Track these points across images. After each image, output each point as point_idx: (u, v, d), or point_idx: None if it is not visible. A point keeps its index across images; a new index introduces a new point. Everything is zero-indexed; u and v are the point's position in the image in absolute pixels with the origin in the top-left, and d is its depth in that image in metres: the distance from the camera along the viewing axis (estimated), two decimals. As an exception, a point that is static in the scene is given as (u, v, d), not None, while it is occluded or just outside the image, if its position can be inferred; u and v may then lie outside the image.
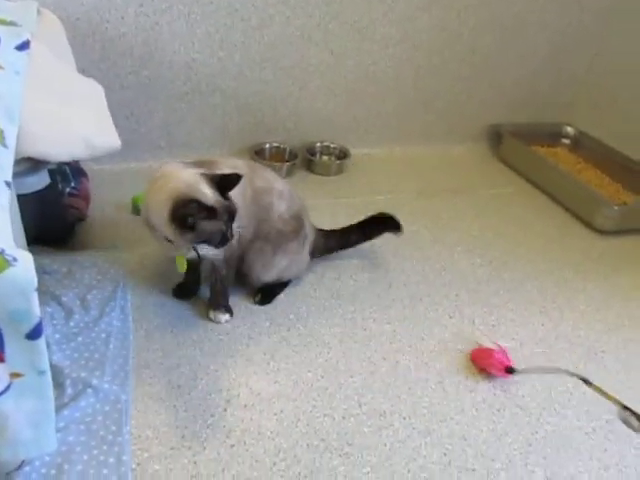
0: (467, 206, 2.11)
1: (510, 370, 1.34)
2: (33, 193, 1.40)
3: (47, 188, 1.43)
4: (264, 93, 2.13)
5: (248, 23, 1.98)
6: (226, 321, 1.42)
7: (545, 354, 1.46)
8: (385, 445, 1.16)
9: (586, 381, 1.31)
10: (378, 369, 1.35)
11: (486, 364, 1.36)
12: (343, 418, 1.21)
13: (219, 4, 1.91)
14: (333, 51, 2.13)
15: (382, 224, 1.68)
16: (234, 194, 1.24)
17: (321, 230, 1.65)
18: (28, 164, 1.34)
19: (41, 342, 0.85)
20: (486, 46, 2.35)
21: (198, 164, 1.32)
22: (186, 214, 1.16)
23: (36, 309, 0.82)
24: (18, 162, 1.29)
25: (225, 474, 1.07)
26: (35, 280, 0.81)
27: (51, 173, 1.45)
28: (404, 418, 1.23)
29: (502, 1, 2.25)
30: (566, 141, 2.57)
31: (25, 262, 0.81)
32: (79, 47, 1.83)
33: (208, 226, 1.19)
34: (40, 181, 1.38)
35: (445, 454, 1.16)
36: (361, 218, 1.69)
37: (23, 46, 1.23)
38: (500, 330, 1.52)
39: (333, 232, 1.67)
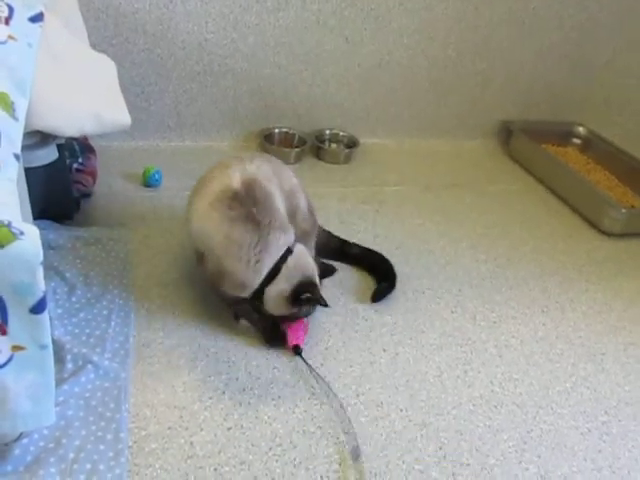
0: (474, 202, 2.10)
1: (297, 350, 1.29)
2: (41, 167, 1.40)
3: (54, 162, 1.43)
4: (276, 77, 2.12)
5: (264, 5, 1.96)
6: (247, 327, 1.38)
7: (545, 353, 1.46)
8: (381, 435, 1.17)
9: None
10: (377, 360, 1.35)
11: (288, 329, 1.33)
12: (340, 407, 1.21)
13: (235, -16, 1.89)
14: (348, 38, 2.11)
15: (379, 270, 1.61)
16: (279, 208, 1.30)
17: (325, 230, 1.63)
18: (37, 137, 1.33)
19: (44, 316, 0.85)
20: (501, 40, 2.32)
21: (224, 163, 1.34)
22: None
23: (41, 283, 0.83)
24: (28, 135, 1.28)
25: (221, 456, 1.08)
26: (41, 254, 0.81)
27: (59, 148, 1.44)
28: (401, 410, 1.23)
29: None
30: (577, 141, 2.55)
31: (32, 236, 0.81)
32: (92, 22, 1.83)
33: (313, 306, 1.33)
34: (49, 155, 1.38)
35: (440, 447, 1.17)
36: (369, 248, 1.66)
37: (36, 18, 1.22)
38: (501, 327, 1.52)
39: (334, 237, 1.65)
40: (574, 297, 1.68)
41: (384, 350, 1.38)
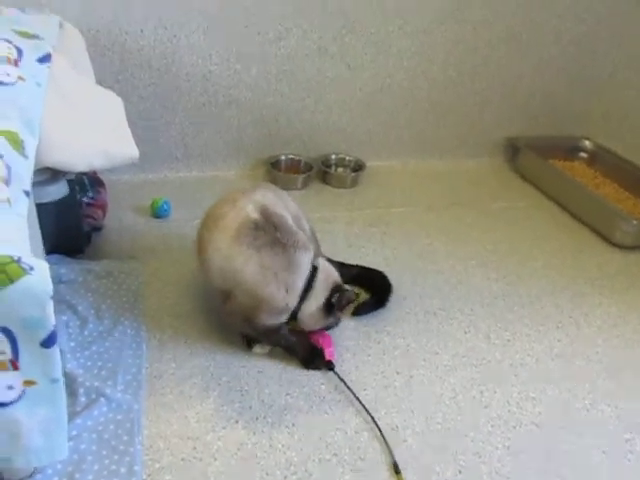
0: (482, 220, 2.09)
1: (330, 366, 1.33)
2: (52, 202, 1.42)
3: (65, 198, 1.45)
4: (280, 105, 2.15)
5: (265, 36, 2.00)
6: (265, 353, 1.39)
7: (562, 370, 1.43)
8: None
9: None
10: (391, 383, 1.33)
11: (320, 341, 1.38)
12: (356, 432, 1.20)
13: (236, 18, 1.93)
14: (349, 64, 2.14)
15: (373, 283, 1.62)
16: (296, 229, 1.34)
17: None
18: (48, 174, 1.36)
19: (55, 350, 0.86)
20: (501, 58, 2.34)
21: (230, 197, 1.36)
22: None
23: (51, 317, 0.83)
24: (38, 172, 1.31)
25: (236, 487, 1.06)
26: (51, 289, 0.81)
27: (69, 183, 1.47)
28: (417, 434, 1.21)
29: (518, 14, 2.25)
30: (584, 155, 2.55)
31: (41, 271, 0.82)
32: (98, 58, 1.87)
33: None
34: (59, 191, 1.40)
35: (460, 471, 1.14)
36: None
37: (44, 59, 1.25)
38: (515, 345, 1.50)
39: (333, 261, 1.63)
40: (588, 312, 1.65)
41: (398, 373, 1.37)
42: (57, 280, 1.51)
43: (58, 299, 1.43)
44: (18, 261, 0.81)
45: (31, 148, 1.11)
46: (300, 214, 1.44)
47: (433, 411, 1.27)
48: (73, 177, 1.45)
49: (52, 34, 1.39)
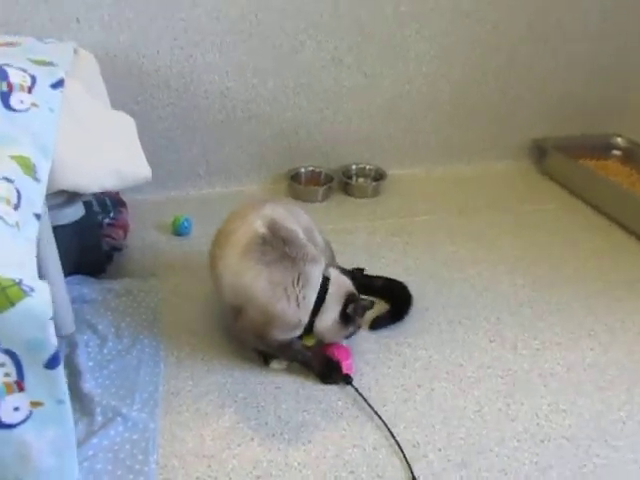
0: (510, 224, 2.03)
1: (348, 379, 1.30)
2: (70, 224, 1.45)
3: (84, 219, 1.48)
4: (299, 118, 2.14)
5: (280, 50, 2.00)
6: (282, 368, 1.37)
7: (595, 381, 1.36)
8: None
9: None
10: (412, 397, 1.29)
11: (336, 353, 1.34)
12: (374, 449, 1.16)
13: (250, 32, 1.94)
14: (366, 73, 2.13)
15: (393, 294, 1.59)
16: (306, 242, 1.33)
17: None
18: (64, 197, 1.38)
19: (59, 371, 0.86)
20: (525, 57, 2.28)
21: (240, 213, 1.36)
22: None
23: (52, 339, 0.83)
24: (54, 195, 1.34)
25: (249, 507, 1.04)
26: (50, 310, 0.82)
27: (88, 204, 1.49)
28: (439, 449, 1.16)
29: (540, 11, 2.19)
30: (617, 153, 2.45)
31: (41, 292, 0.82)
32: (117, 82, 1.91)
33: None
34: (76, 212, 1.43)
35: (483, 489, 1.09)
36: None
37: (58, 84, 1.28)
38: (545, 355, 1.43)
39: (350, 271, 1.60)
40: (624, 318, 1.57)
41: (419, 386, 1.32)
42: (80, 300, 1.53)
43: (79, 318, 1.45)
44: (19, 283, 0.82)
45: (44, 172, 1.13)
46: (312, 226, 1.42)
47: (456, 426, 1.22)
48: (90, 198, 1.47)
49: (66, 60, 1.42)
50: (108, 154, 1.35)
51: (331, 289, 1.30)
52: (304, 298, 1.25)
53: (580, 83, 2.40)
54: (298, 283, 1.25)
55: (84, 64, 1.53)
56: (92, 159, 1.32)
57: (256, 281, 1.24)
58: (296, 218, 1.38)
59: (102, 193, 1.75)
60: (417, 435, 1.19)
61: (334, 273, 1.35)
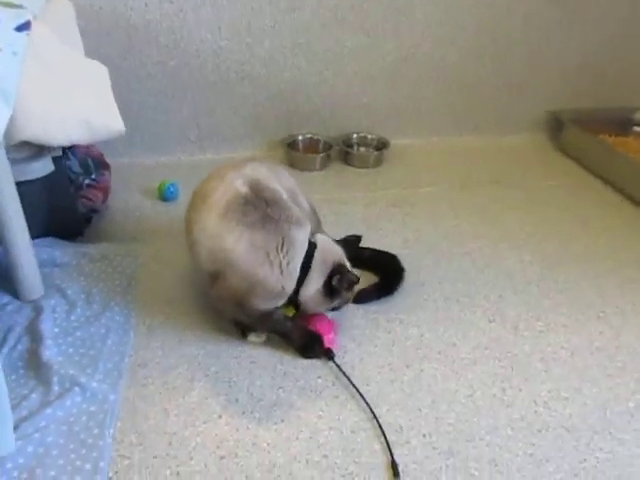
0: (518, 199, 1.89)
1: (330, 354, 1.20)
2: (39, 181, 1.35)
3: (55, 176, 1.38)
4: (297, 80, 2.01)
5: (277, 6, 1.87)
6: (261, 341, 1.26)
7: (602, 367, 1.24)
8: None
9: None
10: (399, 377, 1.18)
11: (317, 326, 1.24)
12: (352, 432, 1.05)
13: (245, -13, 1.81)
14: (370, 33, 1.99)
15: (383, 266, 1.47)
16: (290, 203, 1.22)
17: None
18: (31, 150, 1.28)
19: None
20: (543, 24, 2.12)
21: (218, 173, 1.25)
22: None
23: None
24: (18, 147, 1.24)
25: (209, 490, 0.94)
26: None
27: (58, 159, 1.39)
28: (424, 435, 1.06)
29: (560, -27, 2.03)
30: (638, 129, 2.29)
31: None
32: (104, 37, 1.80)
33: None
34: (44, 168, 1.33)
35: (470, 481, 0.98)
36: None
37: (23, 27, 1.17)
38: (548, 337, 1.31)
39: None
40: (636, 300, 1.44)
41: (407, 366, 1.21)
42: (51, 263, 1.44)
43: (48, 283, 1.36)
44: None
45: (3, 119, 1.02)
46: (297, 190, 1.31)
47: (444, 410, 1.11)
48: (59, 154, 1.36)
49: (36, 3, 1.31)
50: (77, 103, 1.24)
51: (317, 256, 1.19)
52: (288, 264, 1.15)
53: (600, 53, 2.25)
54: (282, 248, 1.14)
55: (58, 9, 1.42)
56: (59, 108, 1.22)
57: (237, 244, 1.13)
58: (279, 179, 1.26)
59: (85, 154, 1.65)
60: (401, 419, 1.09)
61: (322, 240, 1.24)
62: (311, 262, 1.18)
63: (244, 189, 1.17)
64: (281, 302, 1.19)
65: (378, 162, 2.07)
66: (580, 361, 1.25)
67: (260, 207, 1.15)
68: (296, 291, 1.19)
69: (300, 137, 2.08)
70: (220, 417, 1.07)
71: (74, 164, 1.59)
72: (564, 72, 2.24)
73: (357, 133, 2.13)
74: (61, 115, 1.21)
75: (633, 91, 2.31)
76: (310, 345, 1.21)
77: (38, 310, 1.28)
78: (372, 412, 1.08)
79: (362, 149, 2.13)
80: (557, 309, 1.40)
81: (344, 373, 1.16)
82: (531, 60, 2.18)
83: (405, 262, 1.46)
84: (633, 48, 2.26)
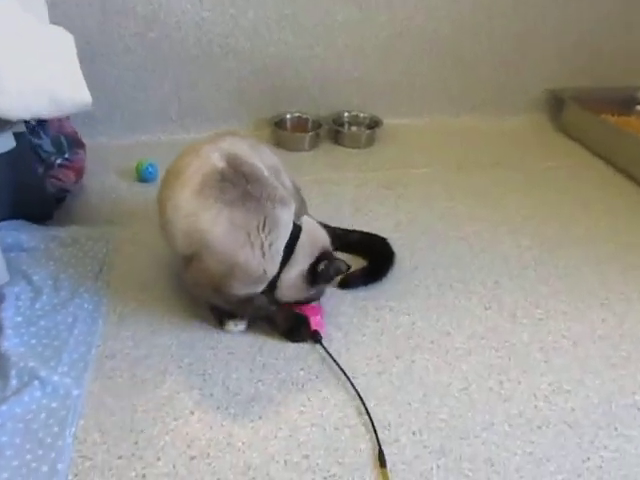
0: (517, 181, 1.80)
1: (317, 337, 1.13)
2: (1, 159, 1.25)
3: (18, 154, 1.27)
4: (284, 55, 1.91)
5: (262, -26, 1.76)
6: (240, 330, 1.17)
7: (606, 357, 1.15)
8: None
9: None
10: (387, 369, 1.09)
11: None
12: (336, 429, 0.97)
13: (227, -48, 1.70)
14: (361, 5, 1.88)
15: (372, 250, 1.38)
16: (272, 180, 1.12)
17: None
18: (-13, 124, 1.18)
19: None
20: (539, 0, 2.01)
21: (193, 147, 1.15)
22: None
23: None
24: (-26, 121, 1.14)
25: (177, 494, 0.86)
26: None
27: (22, 135, 1.28)
28: (413, 433, 0.97)
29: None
30: (641, 108, 2.19)
31: None
32: (75, 8, 1.69)
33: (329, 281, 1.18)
34: (4, 144, 1.22)
35: (463, 482, 0.90)
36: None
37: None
38: (548, 325, 1.23)
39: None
40: (641, 286, 1.36)
41: (397, 357, 1.12)
42: (17, 248, 1.34)
43: (13, 268, 1.26)
44: None
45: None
46: (280, 167, 1.21)
47: (437, 405, 1.03)
48: (23, 130, 1.26)
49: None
50: (38, 73, 1.13)
51: (303, 239, 1.10)
52: (270, 246, 1.06)
53: (603, 30, 2.15)
54: (264, 228, 1.05)
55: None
56: (18, 79, 1.10)
57: (214, 223, 1.04)
58: (260, 155, 1.16)
59: (58, 131, 1.55)
60: (390, 414, 1.00)
61: (308, 222, 1.15)
62: (295, 245, 1.09)
63: (221, 164, 1.08)
64: (261, 287, 1.10)
65: (370, 142, 1.97)
66: (582, 351, 1.17)
67: (239, 184, 1.06)
68: (277, 276, 1.10)
69: (288, 115, 1.98)
70: (192, 413, 0.99)
71: (45, 143, 1.49)
72: (560, 50, 2.14)
73: (348, 111, 2.03)
74: (20, 85, 1.10)
75: (632, 70, 2.21)
76: (296, 328, 1.13)
77: (0, 298, 1.19)
78: (362, 400, 1.00)
79: (353, 128, 2.03)
80: (557, 296, 1.32)
81: (332, 357, 1.08)
82: (531, 36, 2.08)
83: (396, 246, 1.37)
84: (630, 25, 2.16)
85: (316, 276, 1.11)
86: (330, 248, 1.16)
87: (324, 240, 1.16)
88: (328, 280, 1.15)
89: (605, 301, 1.31)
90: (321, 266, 1.11)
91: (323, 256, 1.12)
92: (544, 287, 1.34)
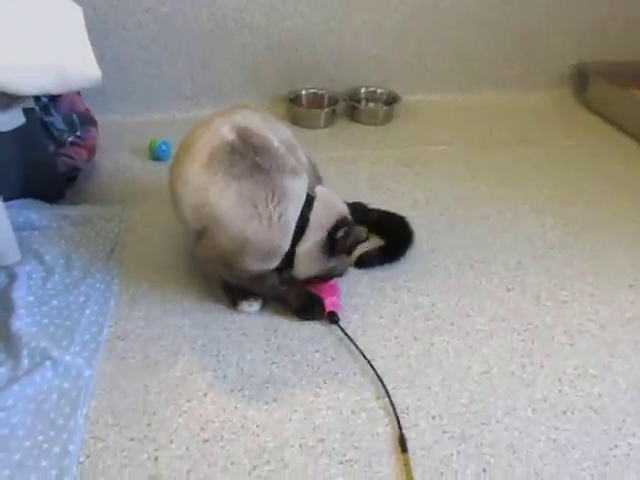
0: (541, 159, 1.74)
1: (333, 318, 1.09)
2: (9, 135, 1.23)
3: (28, 131, 1.25)
4: (300, 30, 1.85)
5: (277, -55, 1.70)
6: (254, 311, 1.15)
7: (634, 341, 1.11)
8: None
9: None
10: (406, 352, 1.06)
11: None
12: (352, 412, 0.94)
13: None
14: (379, -24, 1.81)
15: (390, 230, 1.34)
16: (284, 152, 1.08)
17: None
18: (-3, 100, 1.16)
19: None
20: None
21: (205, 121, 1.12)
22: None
23: None
24: (-18, 97, 1.11)
25: (190, 477, 0.84)
26: None
27: (32, 114, 1.26)
28: (433, 417, 0.94)
29: None
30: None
31: None
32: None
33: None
34: (12, 120, 1.20)
35: (485, 469, 0.87)
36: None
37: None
38: (574, 308, 1.18)
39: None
40: (673, 267, 1.30)
41: (415, 339, 1.09)
42: (30, 227, 1.33)
43: (25, 247, 1.25)
44: None
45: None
46: (294, 143, 1.17)
47: (457, 389, 0.99)
48: (32, 105, 1.23)
49: None
50: (45, 47, 1.10)
51: (317, 208, 1.06)
52: (280, 217, 1.02)
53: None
54: (272, 199, 1.01)
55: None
56: (25, 53, 1.08)
57: (222, 196, 1.01)
58: (274, 129, 1.12)
59: (70, 109, 1.52)
60: (408, 398, 0.97)
61: (323, 192, 1.11)
62: (309, 215, 1.05)
63: (231, 136, 1.04)
64: (275, 262, 1.07)
65: (388, 118, 1.92)
66: (609, 334, 1.12)
67: (248, 156, 1.02)
68: (293, 251, 1.06)
69: (303, 92, 1.94)
70: (205, 395, 0.97)
71: (57, 120, 1.47)
72: (591, 21, 2.06)
73: (365, 87, 1.98)
74: (29, 61, 1.07)
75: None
76: (310, 307, 1.10)
77: (12, 277, 1.18)
78: (382, 382, 0.98)
79: (370, 104, 1.98)
80: (583, 277, 1.27)
81: (351, 339, 1.05)
82: (555, 8, 2.01)
83: (414, 225, 1.33)
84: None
85: (335, 244, 1.07)
86: (349, 216, 1.12)
87: (341, 208, 1.12)
88: (347, 249, 1.10)
89: (634, 282, 1.26)
90: (340, 233, 1.06)
91: (341, 223, 1.08)
92: (569, 269, 1.29)
